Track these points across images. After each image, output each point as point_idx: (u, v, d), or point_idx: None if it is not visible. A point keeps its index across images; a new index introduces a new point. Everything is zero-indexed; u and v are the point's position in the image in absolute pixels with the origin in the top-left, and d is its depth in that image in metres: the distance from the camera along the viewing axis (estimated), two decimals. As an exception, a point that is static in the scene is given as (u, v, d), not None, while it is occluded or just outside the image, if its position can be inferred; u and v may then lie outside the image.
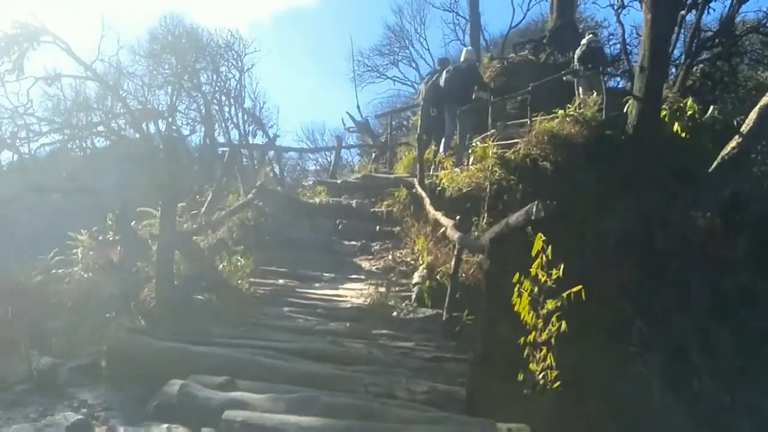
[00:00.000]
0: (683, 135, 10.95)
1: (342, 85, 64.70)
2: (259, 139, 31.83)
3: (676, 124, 11.00)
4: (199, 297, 5.55)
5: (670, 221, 9.46)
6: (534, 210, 3.15)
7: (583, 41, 12.03)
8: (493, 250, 3.74)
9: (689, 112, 10.97)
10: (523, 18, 27.46)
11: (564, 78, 11.56)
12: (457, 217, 7.35)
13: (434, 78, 11.14)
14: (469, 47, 12.30)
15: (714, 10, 20.26)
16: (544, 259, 5.22)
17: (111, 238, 7.22)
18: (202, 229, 6.46)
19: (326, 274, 6.92)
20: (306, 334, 4.77)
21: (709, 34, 20.22)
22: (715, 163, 9.56)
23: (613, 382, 7.82)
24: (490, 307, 5.32)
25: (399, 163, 11.87)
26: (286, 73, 51.22)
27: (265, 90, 48.01)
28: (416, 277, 6.35)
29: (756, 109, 9.13)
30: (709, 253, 9.52)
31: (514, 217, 3.41)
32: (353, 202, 9.11)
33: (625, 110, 11.21)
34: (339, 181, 10.07)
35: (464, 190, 8.25)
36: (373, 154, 13.51)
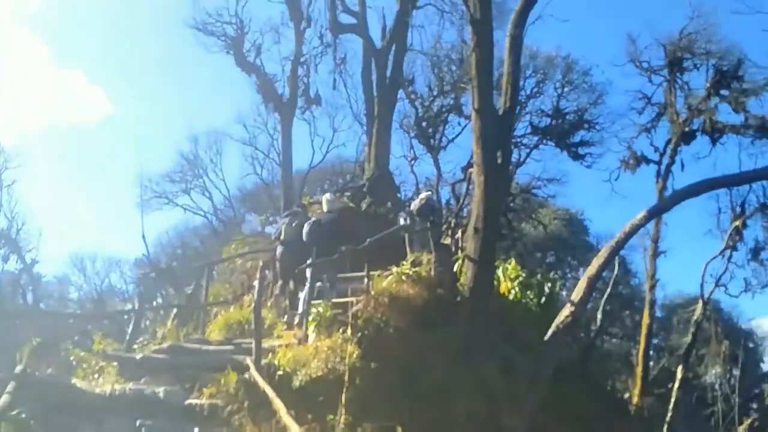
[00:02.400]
0: (510, 297, 11.00)
1: (123, 210, 59.23)
2: (13, 264, 26.60)
3: (503, 285, 11.04)
4: None
5: (515, 394, 8.94)
6: None
7: (422, 196, 12.03)
8: None
9: (514, 274, 11.14)
10: (322, 160, 28.17)
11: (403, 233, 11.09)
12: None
13: (297, 221, 10.25)
14: (329, 195, 11.39)
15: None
16: None
17: None
18: None
19: None
20: None
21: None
22: (550, 332, 9.52)
23: None
24: None
25: (213, 324, 9.83)
26: (57, 192, 45.24)
27: (27, 210, 41.43)
28: None
29: (584, 279, 9.44)
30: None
31: None
32: (160, 391, 6.83)
33: (455, 269, 11.00)
34: (138, 357, 7.66)
35: (314, 375, 6.67)
36: (174, 310, 11.18)
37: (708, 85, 17.98)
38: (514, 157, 25.84)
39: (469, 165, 26.16)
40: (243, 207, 29.30)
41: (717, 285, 18.05)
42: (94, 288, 31.32)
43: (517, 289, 10.93)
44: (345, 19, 16.85)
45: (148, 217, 32.82)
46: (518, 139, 26.01)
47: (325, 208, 10.61)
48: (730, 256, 17.80)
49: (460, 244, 12.82)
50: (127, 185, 47.15)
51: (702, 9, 18.55)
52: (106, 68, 48.37)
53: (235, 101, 60.24)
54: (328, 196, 11.14)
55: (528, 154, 25.73)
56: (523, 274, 11.17)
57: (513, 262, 11.50)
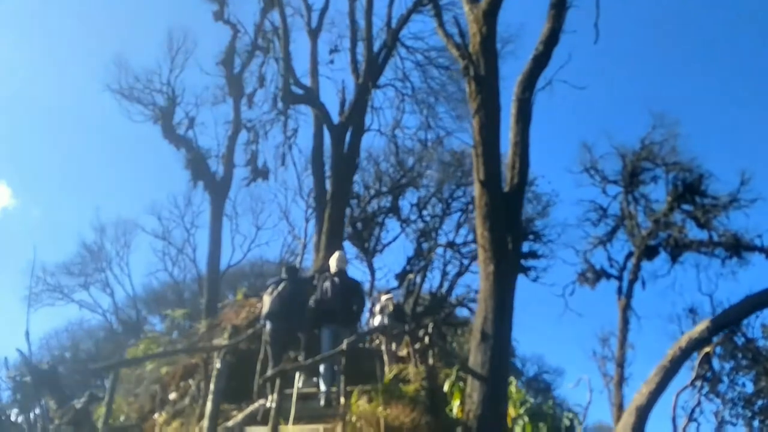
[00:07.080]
0: (518, 429, 8.36)
1: (8, 304, 50.70)
2: None
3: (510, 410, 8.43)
4: None
5: None
6: None
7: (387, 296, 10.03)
8: None
9: (519, 398, 8.59)
10: (243, 258, 25.35)
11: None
12: None
13: (280, 288, 8.52)
14: (339, 252, 9.25)
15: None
16: None
17: None
18: None
19: None
20: None
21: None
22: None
23: None
24: None
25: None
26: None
27: None
28: None
29: (632, 409, 7.24)
30: None
31: None
32: None
33: (446, 388, 8.33)
34: None
35: None
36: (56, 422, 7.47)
37: (670, 198, 17.25)
38: (456, 266, 24.13)
39: (405, 272, 24.23)
40: (146, 308, 25.54)
41: (690, 420, 16.14)
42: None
43: (526, 419, 8.32)
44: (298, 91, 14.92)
45: (37, 314, 27.99)
46: (458, 247, 24.51)
47: (333, 267, 8.82)
48: (702, 387, 16.11)
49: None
50: (17, 276, 41.06)
51: (664, 119, 18.22)
52: (10, 162, 43.68)
53: (150, 192, 55.92)
54: (338, 253, 9.18)
55: (468, 265, 24.13)
56: (531, 400, 8.64)
57: (514, 381, 8.97)
